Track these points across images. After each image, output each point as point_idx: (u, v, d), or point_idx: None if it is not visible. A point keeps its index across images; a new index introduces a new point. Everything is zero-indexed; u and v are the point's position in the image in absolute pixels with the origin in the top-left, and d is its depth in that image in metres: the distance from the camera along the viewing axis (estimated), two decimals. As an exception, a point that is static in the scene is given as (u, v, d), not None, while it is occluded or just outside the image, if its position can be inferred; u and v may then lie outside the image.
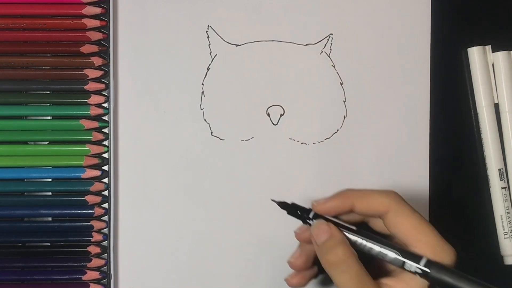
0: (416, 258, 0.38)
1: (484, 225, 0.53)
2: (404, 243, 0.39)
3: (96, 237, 0.50)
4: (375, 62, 0.52)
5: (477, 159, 0.53)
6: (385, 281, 0.39)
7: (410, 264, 0.38)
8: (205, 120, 0.52)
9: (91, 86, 0.50)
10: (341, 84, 0.52)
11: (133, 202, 0.51)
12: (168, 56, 0.51)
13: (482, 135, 0.53)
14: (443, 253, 0.38)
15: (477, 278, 0.54)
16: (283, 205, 0.42)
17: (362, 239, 0.40)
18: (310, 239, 0.41)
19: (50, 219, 0.50)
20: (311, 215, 0.41)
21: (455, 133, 0.53)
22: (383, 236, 0.41)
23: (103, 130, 0.51)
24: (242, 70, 0.52)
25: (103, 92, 0.51)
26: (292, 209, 0.41)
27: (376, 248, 0.39)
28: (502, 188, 0.52)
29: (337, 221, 0.41)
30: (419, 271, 0.37)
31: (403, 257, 0.38)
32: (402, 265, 0.38)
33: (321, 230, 0.40)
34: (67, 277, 0.50)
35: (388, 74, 0.52)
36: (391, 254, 0.39)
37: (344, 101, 0.52)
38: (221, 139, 0.52)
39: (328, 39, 0.52)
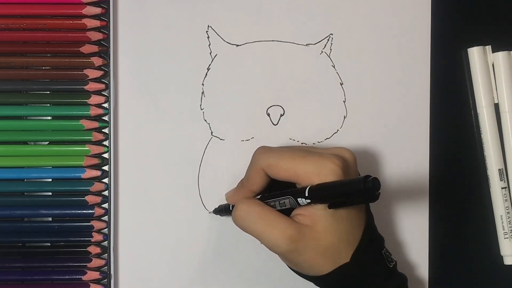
0: (303, 192, 0.40)
1: (484, 225, 0.53)
2: (296, 184, 0.42)
3: (96, 237, 0.50)
4: (375, 62, 0.52)
5: (477, 159, 0.53)
6: (297, 211, 0.42)
7: (301, 200, 0.40)
8: (205, 120, 0.52)
9: (91, 86, 0.50)
10: (341, 84, 0.52)
11: (133, 202, 0.51)
12: (168, 56, 0.51)
13: (482, 135, 0.53)
14: (325, 171, 0.41)
15: (477, 278, 0.54)
16: (216, 211, 0.50)
17: (265, 201, 0.43)
18: None
19: (50, 219, 0.50)
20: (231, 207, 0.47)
21: (455, 133, 0.53)
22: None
23: (103, 130, 0.51)
24: (242, 70, 0.52)
25: (103, 92, 0.51)
26: (221, 210, 0.49)
27: (277, 202, 0.42)
28: (502, 188, 0.52)
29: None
30: (308, 200, 0.40)
31: (294, 197, 0.41)
32: (298, 204, 0.41)
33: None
34: (67, 277, 0.50)
35: (388, 74, 0.52)
36: (287, 201, 0.42)
37: (344, 101, 0.52)
38: (221, 139, 0.52)
39: (328, 39, 0.52)
